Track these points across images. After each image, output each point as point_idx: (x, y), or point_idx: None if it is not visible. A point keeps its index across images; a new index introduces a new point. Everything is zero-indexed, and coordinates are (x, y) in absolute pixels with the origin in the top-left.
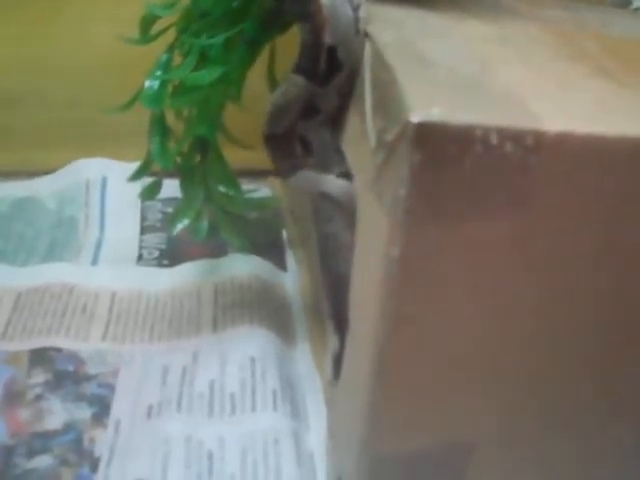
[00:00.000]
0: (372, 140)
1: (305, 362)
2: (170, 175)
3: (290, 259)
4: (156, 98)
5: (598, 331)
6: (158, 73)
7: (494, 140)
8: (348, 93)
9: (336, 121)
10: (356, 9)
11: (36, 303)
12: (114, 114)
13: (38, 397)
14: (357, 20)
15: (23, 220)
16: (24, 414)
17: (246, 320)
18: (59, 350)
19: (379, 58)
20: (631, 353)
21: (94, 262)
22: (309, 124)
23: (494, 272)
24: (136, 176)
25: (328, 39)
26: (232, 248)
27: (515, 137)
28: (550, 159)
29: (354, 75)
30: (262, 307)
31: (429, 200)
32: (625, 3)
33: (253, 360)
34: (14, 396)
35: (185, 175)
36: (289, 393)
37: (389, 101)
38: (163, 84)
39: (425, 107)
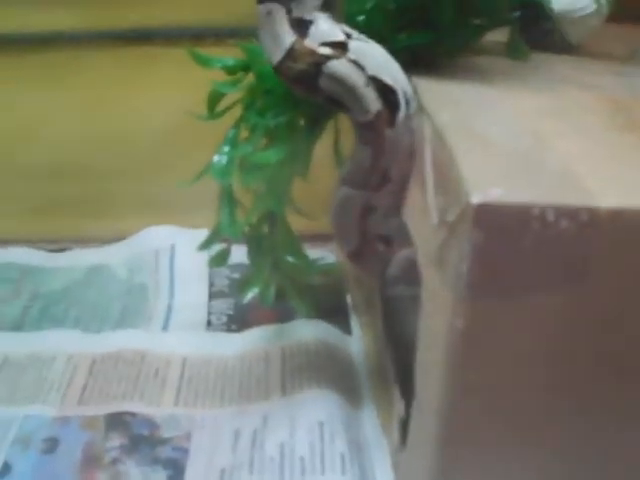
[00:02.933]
0: (434, 218)
1: (372, 426)
2: (237, 241)
3: (355, 324)
4: (224, 172)
5: None
6: (226, 149)
7: (550, 217)
8: (401, 192)
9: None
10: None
11: (110, 369)
12: (184, 187)
13: (115, 461)
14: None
15: (96, 287)
16: (102, 478)
17: (313, 384)
18: (134, 415)
19: (438, 138)
20: None
21: (165, 328)
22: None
23: (553, 343)
24: (205, 246)
25: (384, 164)
26: (298, 313)
27: (570, 214)
28: (605, 234)
29: (406, 183)
30: (329, 371)
31: (490, 275)
32: None
33: (321, 424)
34: (92, 460)
35: (253, 245)
36: (357, 457)
37: (449, 181)
38: (230, 159)
39: (484, 188)
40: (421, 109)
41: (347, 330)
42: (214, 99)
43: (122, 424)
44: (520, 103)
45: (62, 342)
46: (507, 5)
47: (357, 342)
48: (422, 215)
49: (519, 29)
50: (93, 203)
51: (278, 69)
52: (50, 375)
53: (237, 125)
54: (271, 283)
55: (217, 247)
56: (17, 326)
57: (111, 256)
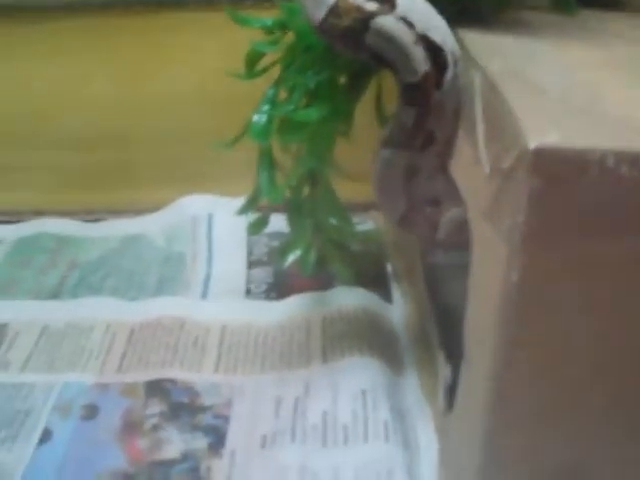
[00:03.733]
0: (486, 168)
1: (414, 392)
2: (275, 210)
3: (395, 291)
4: (264, 132)
5: None
6: (265, 108)
7: (610, 163)
8: (447, 152)
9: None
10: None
11: (149, 336)
12: (223, 150)
13: (155, 427)
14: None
15: (133, 256)
16: (142, 444)
17: (355, 351)
18: (174, 382)
19: (490, 87)
20: None
21: (203, 296)
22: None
23: (610, 294)
24: (244, 210)
25: (429, 125)
26: (338, 281)
27: (631, 159)
28: None
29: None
30: (370, 338)
31: (547, 225)
32: None
33: (364, 391)
34: (132, 426)
35: (294, 208)
36: (400, 424)
37: (503, 129)
38: (270, 119)
39: (541, 133)
40: (470, 59)
41: (388, 298)
42: (253, 58)
43: (162, 391)
44: (572, 55)
45: (100, 310)
46: None
47: (398, 310)
48: (472, 167)
49: None
50: (128, 172)
51: (321, 27)
52: (89, 343)
53: (276, 85)
54: (312, 248)
55: (255, 214)
56: (55, 295)
57: (148, 225)
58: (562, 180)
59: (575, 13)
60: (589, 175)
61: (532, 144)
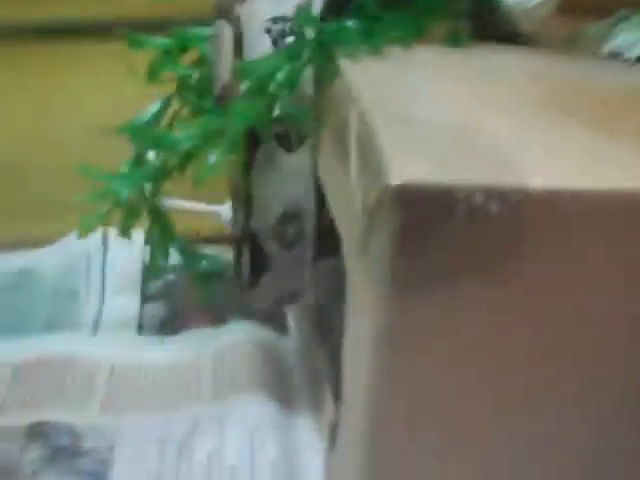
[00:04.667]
0: (357, 203)
1: (305, 431)
2: None
3: (291, 322)
4: (139, 132)
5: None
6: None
7: (478, 199)
8: None
9: None
10: None
11: (34, 375)
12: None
13: (34, 473)
14: None
15: (24, 292)
16: None
17: (245, 389)
18: (56, 424)
19: (362, 119)
20: None
21: (94, 332)
22: None
23: (481, 336)
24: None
25: None
26: (232, 315)
27: (500, 196)
28: (537, 217)
29: None
30: (262, 374)
31: (414, 265)
32: (617, 54)
33: (252, 430)
34: (10, 473)
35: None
36: (288, 463)
37: (372, 163)
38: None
39: (406, 168)
40: (346, 90)
41: (283, 330)
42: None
43: (43, 435)
44: (450, 89)
45: None
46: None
47: (293, 342)
48: (346, 201)
49: (467, 19)
50: (23, 204)
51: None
52: None
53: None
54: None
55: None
56: None
57: (41, 260)
58: (427, 219)
59: (464, 46)
60: (456, 213)
61: (395, 180)
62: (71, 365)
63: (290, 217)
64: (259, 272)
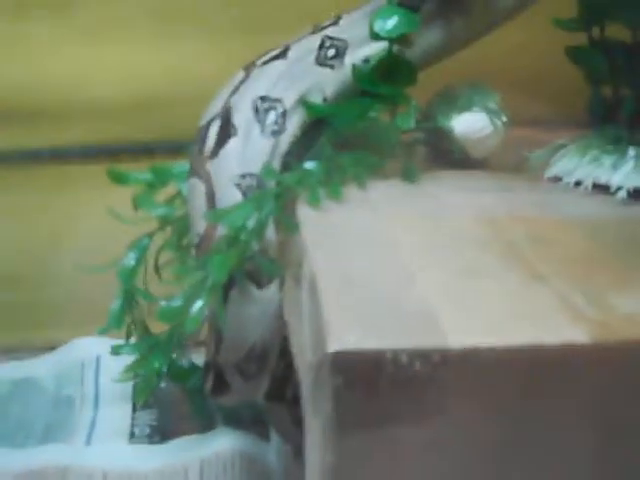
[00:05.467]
0: (308, 355)
1: None
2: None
3: (274, 431)
4: (129, 275)
5: None
6: (134, 255)
7: (404, 360)
8: None
9: None
10: None
11: None
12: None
13: None
14: None
15: (21, 401)
16: None
17: None
18: None
19: (312, 278)
20: None
21: (88, 442)
22: None
23: (417, 472)
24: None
25: None
26: (219, 421)
27: (423, 355)
28: (456, 372)
29: None
30: None
31: (351, 414)
32: (558, 179)
33: None
34: None
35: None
36: None
37: (317, 323)
38: (138, 264)
39: (341, 335)
40: (302, 245)
41: (266, 436)
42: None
43: None
44: (398, 235)
45: None
46: (400, 140)
47: (275, 450)
48: (302, 350)
49: (422, 149)
50: (21, 312)
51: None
52: None
53: (151, 235)
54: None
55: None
56: None
57: (38, 368)
58: (362, 376)
59: (417, 181)
60: (385, 371)
61: (331, 348)
62: (66, 477)
63: (254, 356)
64: (219, 394)
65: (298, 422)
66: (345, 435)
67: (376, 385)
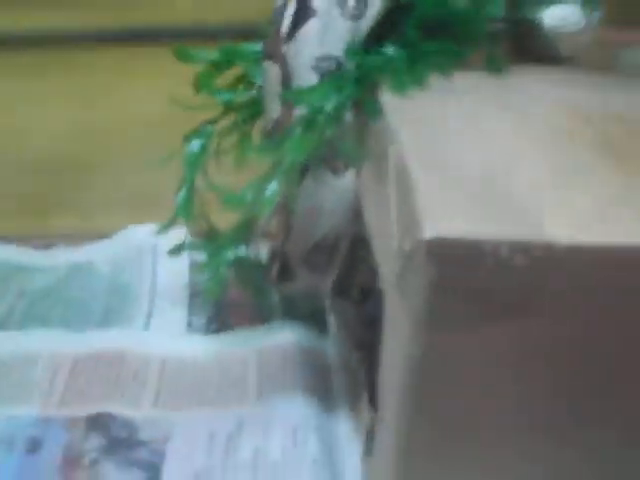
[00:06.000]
0: (395, 242)
1: (345, 430)
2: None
3: (332, 325)
4: (195, 162)
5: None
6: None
7: (504, 253)
8: None
9: None
10: None
11: (91, 369)
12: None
13: (94, 462)
14: None
15: (79, 286)
16: (82, 477)
17: (289, 388)
18: (113, 416)
19: (400, 162)
20: None
21: (145, 328)
22: None
23: (509, 373)
24: (161, 230)
25: None
26: (276, 314)
27: (524, 249)
28: (558, 269)
29: None
30: (304, 375)
31: (445, 307)
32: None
33: (295, 428)
34: (72, 461)
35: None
36: (329, 461)
37: (408, 209)
38: (203, 149)
39: (437, 221)
40: (387, 128)
41: (325, 331)
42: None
43: (102, 425)
44: (489, 124)
45: (45, 342)
46: (486, 30)
47: (334, 343)
48: (385, 238)
49: (507, 43)
50: (78, 199)
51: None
52: (33, 375)
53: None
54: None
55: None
56: (2, 325)
57: (95, 254)
58: (457, 269)
59: (505, 72)
60: (484, 264)
61: (427, 234)
62: (125, 360)
63: (324, 247)
64: (284, 282)
65: (361, 318)
66: (437, 330)
67: (473, 278)
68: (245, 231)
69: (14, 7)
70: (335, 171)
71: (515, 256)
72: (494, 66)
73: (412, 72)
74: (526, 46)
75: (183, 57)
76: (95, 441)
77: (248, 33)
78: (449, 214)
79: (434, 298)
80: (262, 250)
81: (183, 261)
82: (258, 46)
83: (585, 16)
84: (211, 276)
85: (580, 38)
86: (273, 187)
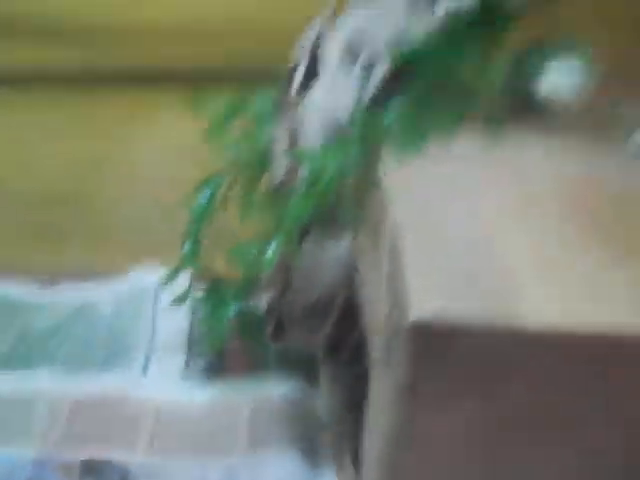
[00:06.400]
0: (383, 316)
1: None
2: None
3: (323, 375)
4: (203, 213)
5: None
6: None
7: (481, 336)
8: None
9: None
10: None
11: (90, 413)
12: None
13: None
14: None
15: (83, 326)
16: None
17: (278, 441)
18: (108, 462)
19: (394, 233)
20: None
21: (144, 372)
22: None
23: (475, 449)
24: (168, 279)
25: None
26: (273, 364)
27: (500, 334)
28: (532, 352)
29: None
30: (293, 430)
31: (424, 380)
32: None
33: None
34: None
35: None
36: None
37: (397, 286)
38: (211, 200)
39: (422, 305)
40: (384, 198)
41: (316, 384)
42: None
43: (96, 471)
44: (480, 193)
45: (47, 382)
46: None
47: (324, 400)
48: (376, 308)
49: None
50: (84, 233)
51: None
52: (33, 416)
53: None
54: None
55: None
56: (5, 363)
57: (98, 295)
58: (439, 347)
59: (501, 138)
60: (462, 344)
61: (412, 316)
62: (123, 405)
63: (318, 308)
64: (277, 340)
65: (351, 378)
66: (415, 400)
67: (451, 356)
68: (248, 286)
69: (30, 42)
70: (334, 234)
71: (491, 340)
72: (493, 129)
73: (412, 136)
74: (526, 101)
75: (198, 107)
76: None
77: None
78: (434, 296)
79: (415, 372)
80: (262, 302)
81: (183, 306)
82: (266, 97)
83: (579, 81)
84: (213, 328)
85: (575, 102)
86: (274, 245)
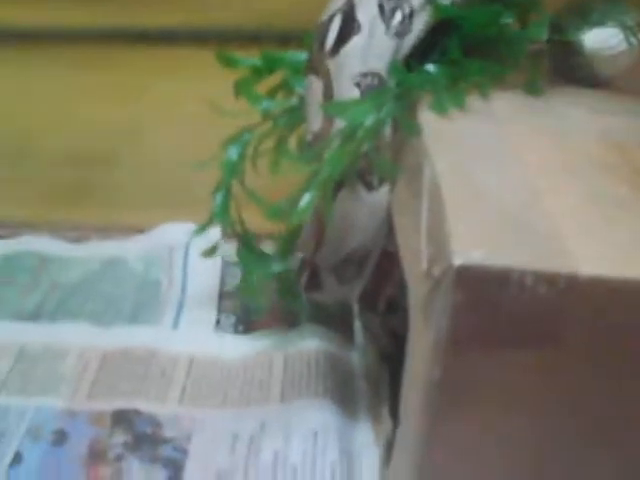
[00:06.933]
0: (424, 265)
1: (365, 436)
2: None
3: (358, 332)
4: (233, 168)
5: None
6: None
7: (529, 282)
8: None
9: None
10: None
11: (120, 365)
12: (196, 169)
13: (118, 457)
14: None
15: (112, 281)
16: (106, 473)
17: (312, 393)
18: (139, 412)
19: (435, 186)
20: None
21: (175, 326)
22: None
23: (524, 396)
24: (198, 232)
25: None
26: (303, 317)
27: (549, 280)
28: (581, 300)
29: None
30: (327, 381)
31: (469, 331)
32: None
33: (316, 432)
34: (97, 455)
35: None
36: (347, 467)
37: (439, 234)
38: (242, 156)
39: (467, 249)
40: (423, 149)
41: (350, 339)
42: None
43: (127, 421)
44: (522, 151)
45: (75, 335)
46: (527, 51)
47: (359, 352)
48: (415, 258)
49: (547, 64)
50: (115, 192)
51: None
52: (62, 368)
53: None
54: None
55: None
56: (34, 317)
57: (128, 249)
58: (483, 295)
59: (542, 95)
60: (509, 292)
61: (456, 261)
62: (153, 357)
63: (354, 260)
64: (312, 292)
65: (387, 330)
66: (458, 353)
67: (498, 304)
68: (288, 244)
69: (54, 2)
70: (370, 186)
71: (539, 286)
72: (533, 88)
73: (452, 91)
74: (567, 66)
75: (225, 62)
76: (120, 437)
77: (288, 38)
78: (478, 242)
79: (458, 322)
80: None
81: (214, 261)
82: (299, 55)
83: (627, 40)
84: (251, 287)
85: (620, 61)
86: (308, 198)
